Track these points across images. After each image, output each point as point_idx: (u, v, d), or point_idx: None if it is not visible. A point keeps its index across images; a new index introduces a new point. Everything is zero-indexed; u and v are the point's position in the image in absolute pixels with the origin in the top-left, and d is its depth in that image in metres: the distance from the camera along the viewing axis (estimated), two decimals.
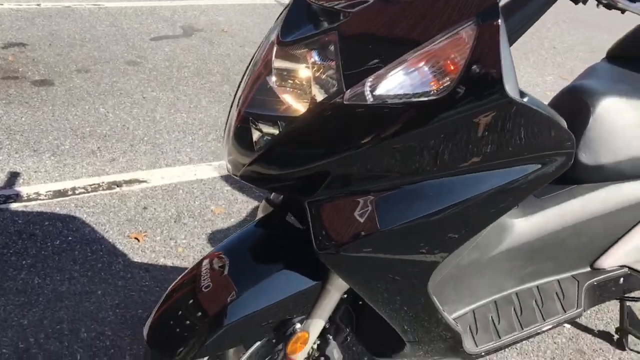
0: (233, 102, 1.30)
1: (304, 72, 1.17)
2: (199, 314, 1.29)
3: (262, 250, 1.37)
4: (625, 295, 1.87)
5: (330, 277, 1.30)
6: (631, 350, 2.12)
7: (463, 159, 1.12)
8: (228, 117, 1.30)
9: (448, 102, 1.06)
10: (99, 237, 2.33)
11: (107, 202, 2.54)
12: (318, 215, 1.17)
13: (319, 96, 1.13)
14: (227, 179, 2.84)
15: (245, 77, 1.30)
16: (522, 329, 1.58)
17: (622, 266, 1.77)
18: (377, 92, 1.07)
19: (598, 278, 1.75)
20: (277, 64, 1.20)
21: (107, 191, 2.61)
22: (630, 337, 2.12)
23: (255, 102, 1.21)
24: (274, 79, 1.19)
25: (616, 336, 2.16)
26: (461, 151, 1.11)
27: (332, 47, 1.11)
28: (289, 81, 1.19)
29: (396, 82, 1.07)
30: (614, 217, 1.69)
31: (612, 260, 1.74)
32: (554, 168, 1.22)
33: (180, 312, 1.31)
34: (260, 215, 1.48)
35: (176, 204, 2.60)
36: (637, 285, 1.84)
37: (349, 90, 1.08)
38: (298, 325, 1.33)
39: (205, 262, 1.37)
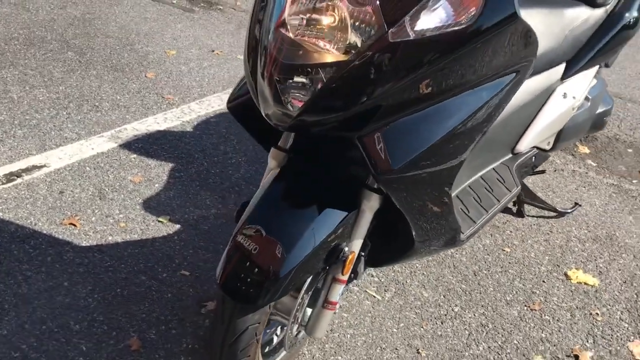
0: (252, 60, 1.36)
1: (327, 19, 1.28)
2: (257, 270, 1.36)
3: (292, 200, 1.47)
4: (535, 170, 2.31)
5: (364, 201, 1.47)
6: (528, 216, 2.62)
7: (480, 74, 1.36)
8: (255, 76, 1.35)
9: (475, 29, 1.26)
10: (31, 231, 2.18)
11: (16, 195, 2.35)
12: (370, 146, 1.32)
13: (358, 41, 1.27)
14: (126, 146, 2.76)
15: (261, 32, 1.35)
16: (487, 211, 1.91)
17: (533, 147, 2.19)
18: (417, 27, 1.24)
19: (519, 161, 2.15)
20: (297, 19, 1.29)
21: (9, 184, 2.40)
22: (526, 206, 2.61)
23: (289, 55, 1.29)
24: (297, 31, 1.29)
25: (515, 208, 2.63)
26: (480, 68, 1.34)
27: None
28: (316, 31, 1.30)
29: (431, 17, 1.25)
30: (525, 108, 2.07)
31: (526, 144, 2.13)
32: (524, 73, 1.52)
33: (242, 274, 1.36)
34: (272, 163, 1.56)
35: (91, 182, 2.49)
36: (541, 160, 2.28)
37: (391, 30, 1.23)
38: (346, 249, 1.49)
39: (239, 237, 1.40)
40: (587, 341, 2.02)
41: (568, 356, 1.96)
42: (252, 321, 1.39)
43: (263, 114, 1.37)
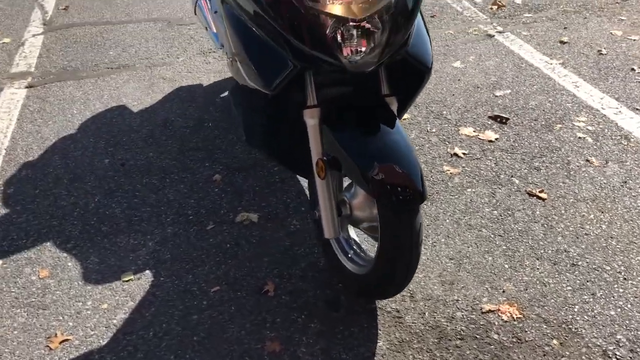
0: (311, 34, 1.68)
1: None
2: (400, 188, 1.73)
3: (365, 134, 1.83)
4: None
5: (391, 106, 1.93)
6: None
7: None
8: (324, 44, 1.66)
9: None
10: None
11: None
12: (413, 57, 1.89)
13: None
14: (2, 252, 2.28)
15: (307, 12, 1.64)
16: None
17: None
18: None
19: None
20: None
21: None
22: None
23: (345, 15, 1.65)
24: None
25: None
26: None
27: None
28: None
29: None
30: None
31: None
32: None
33: (396, 193, 1.73)
34: (310, 121, 1.86)
35: (7, 299, 2.08)
36: None
37: None
38: None
39: (375, 176, 1.71)
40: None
41: (449, 155, 2.83)
42: (421, 219, 1.78)
43: (343, 65, 1.72)
